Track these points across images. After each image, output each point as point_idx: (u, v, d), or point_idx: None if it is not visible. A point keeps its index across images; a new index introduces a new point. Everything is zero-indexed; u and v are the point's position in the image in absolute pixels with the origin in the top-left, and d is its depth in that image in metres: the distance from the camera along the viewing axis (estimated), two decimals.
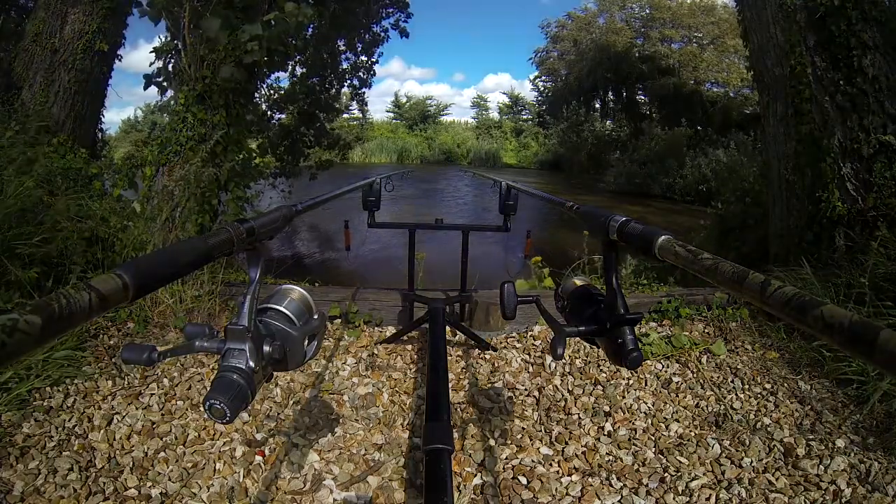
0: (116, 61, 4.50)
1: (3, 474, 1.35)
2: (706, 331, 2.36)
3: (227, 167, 3.14)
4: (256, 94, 4.47)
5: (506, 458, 1.52)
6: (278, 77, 6.77)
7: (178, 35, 3.14)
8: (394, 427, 1.65)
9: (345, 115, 8.84)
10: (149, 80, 3.41)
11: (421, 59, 69.59)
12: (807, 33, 2.84)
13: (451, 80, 67.41)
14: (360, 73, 8.17)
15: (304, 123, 7.48)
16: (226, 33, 2.91)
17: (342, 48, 7.72)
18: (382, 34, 7.85)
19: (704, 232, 4.81)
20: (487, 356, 2.13)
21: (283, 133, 7.32)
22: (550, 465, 1.49)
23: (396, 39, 7.95)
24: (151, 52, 3.26)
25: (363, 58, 8.02)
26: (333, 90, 8.03)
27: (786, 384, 1.91)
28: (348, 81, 8.19)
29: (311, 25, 5.60)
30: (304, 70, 7.35)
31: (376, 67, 8.26)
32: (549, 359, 2.07)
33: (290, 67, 6.84)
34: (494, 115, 28.90)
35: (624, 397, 1.84)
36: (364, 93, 8.64)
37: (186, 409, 1.69)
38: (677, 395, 1.86)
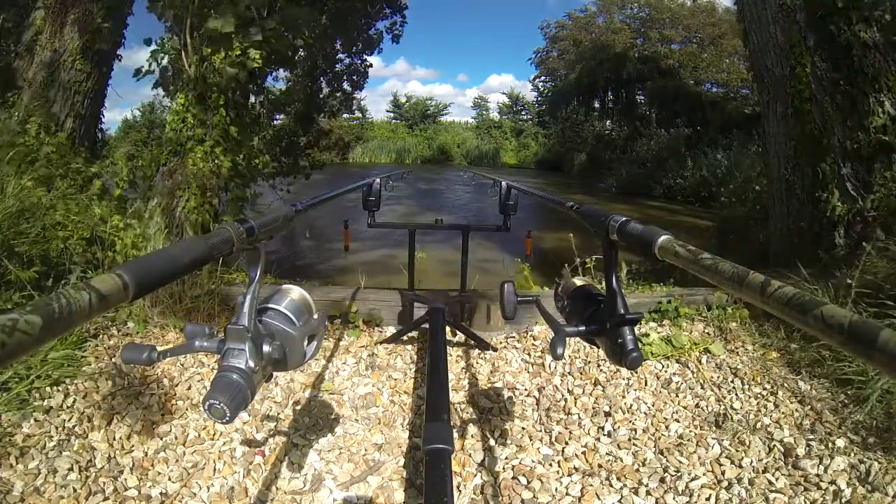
0: (116, 61, 4.51)
1: (3, 474, 1.34)
2: (706, 331, 2.36)
3: (227, 167, 3.14)
4: (252, 97, 4.48)
5: (506, 458, 1.52)
6: (276, 76, 6.77)
7: (180, 34, 3.14)
8: (394, 427, 1.65)
9: (345, 116, 8.81)
10: (139, 72, 3.40)
11: (425, 60, 69.76)
12: (807, 33, 2.84)
13: (454, 81, 67.50)
14: (354, 77, 8.14)
15: (301, 125, 7.45)
16: (232, 32, 2.91)
17: (338, 48, 7.69)
18: (376, 36, 7.83)
19: (708, 233, 4.80)
20: (487, 356, 2.13)
21: (278, 136, 7.29)
22: (550, 465, 1.49)
23: (402, 39, 7.94)
24: (150, 48, 3.27)
25: (357, 60, 8.00)
26: (326, 92, 8.00)
27: (786, 384, 1.91)
28: (341, 84, 8.15)
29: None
30: (298, 71, 7.33)
31: (381, 67, 8.29)
32: (549, 359, 2.07)
33: (290, 68, 6.82)
34: (495, 115, 28.94)
35: (624, 397, 1.84)
36: (354, 95, 8.60)
37: (186, 409, 1.69)
38: (677, 395, 1.86)
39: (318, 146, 8.10)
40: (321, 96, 7.90)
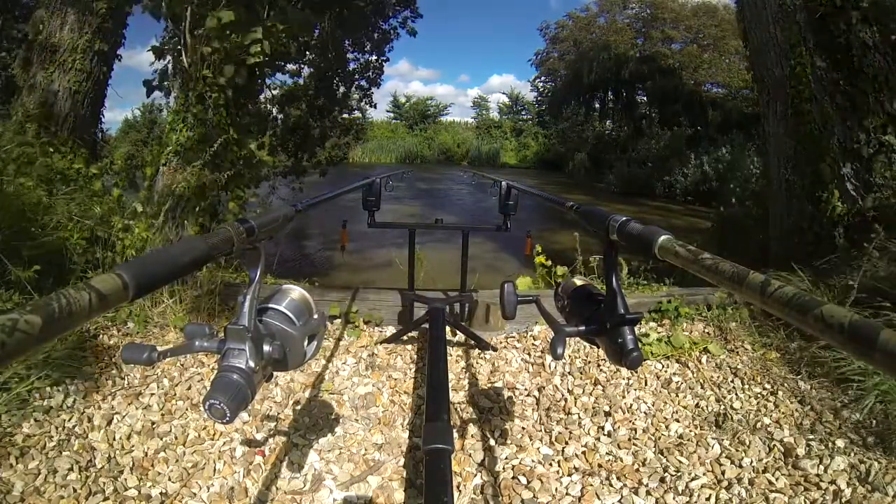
0: (116, 61, 4.51)
1: (3, 474, 1.34)
2: (706, 331, 2.36)
3: (228, 167, 3.14)
4: (260, 94, 4.45)
5: (506, 458, 1.52)
6: (282, 81, 6.73)
7: (179, 34, 3.13)
8: (394, 427, 1.65)
9: (345, 115, 8.78)
10: (149, 85, 3.40)
11: (427, 61, 69.88)
12: (807, 33, 2.84)
13: (455, 81, 67.59)
14: (369, 74, 8.09)
15: (315, 117, 7.37)
16: (228, 30, 2.91)
17: (349, 48, 7.65)
18: (391, 32, 7.80)
19: (708, 233, 4.80)
20: (487, 356, 2.13)
21: (292, 128, 7.20)
22: (550, 465, 1.49)
23: (403, 41, 7.95)
24: (149, 50, 3.26)
25: (372, 57, 7.95)
26: (341, 92, 7.94)
27: (786, 384, 1.91)
28: (356, 83, 8.10)
29: (316, 26, 5.58)
30: (311, 70, 7.29)
31: (384, 67, 8.21)
32: (549, 359, 2.07)
33: (294, 68, 6.79)
34: (495, 114, 28.95)
35: (624, 397, 1.84)
36: (373, 93, 8.55)
37: (186, 409, 1.68)
38: (677, 395, 1.86)
39: (338, 132, 8.04)
40: (338, 94, 7.86)
